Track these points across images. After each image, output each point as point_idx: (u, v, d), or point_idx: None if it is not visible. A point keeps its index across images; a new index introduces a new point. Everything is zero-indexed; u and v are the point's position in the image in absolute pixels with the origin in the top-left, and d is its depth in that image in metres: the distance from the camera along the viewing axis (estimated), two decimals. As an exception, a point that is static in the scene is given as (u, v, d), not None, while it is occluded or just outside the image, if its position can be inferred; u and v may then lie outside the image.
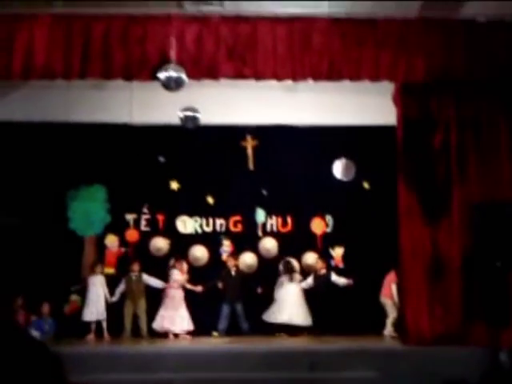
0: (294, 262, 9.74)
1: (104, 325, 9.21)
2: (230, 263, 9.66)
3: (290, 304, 9.37)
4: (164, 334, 9.12)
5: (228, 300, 9.45)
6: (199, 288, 9.45)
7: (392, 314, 9.07)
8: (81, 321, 9.13)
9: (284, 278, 9.60)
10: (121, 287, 9.42)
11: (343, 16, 7.42)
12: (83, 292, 9.36)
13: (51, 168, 9.53)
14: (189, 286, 9.43)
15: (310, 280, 9.59)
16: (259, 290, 9.53)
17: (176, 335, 9.14)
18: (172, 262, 9.58)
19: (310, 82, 7.82)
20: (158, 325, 9.19)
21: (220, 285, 9.55)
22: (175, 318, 9.14)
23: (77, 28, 7.23)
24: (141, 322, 9.34)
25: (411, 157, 7.99)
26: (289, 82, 7.98)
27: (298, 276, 9.62)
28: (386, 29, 7.46)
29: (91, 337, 9.08)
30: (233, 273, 9.62)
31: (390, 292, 9.12)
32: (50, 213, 9.66)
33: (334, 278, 9.48)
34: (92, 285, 9.29)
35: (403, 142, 8.03)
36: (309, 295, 9.54)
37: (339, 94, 8.83)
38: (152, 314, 9.32)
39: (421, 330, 7.69)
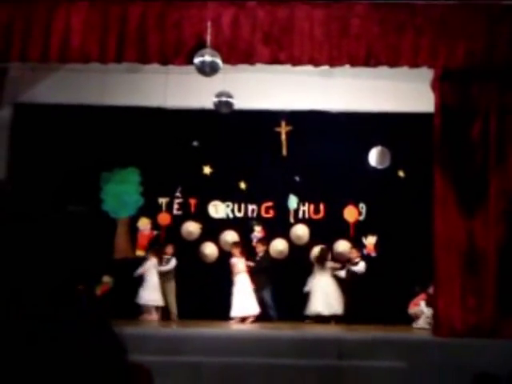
0: (327, 250, 9.65)
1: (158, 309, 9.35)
2: (259, 249, 9.64)
3: (321, 294, 9.33)
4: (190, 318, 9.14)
5: (257, 286, 9.43)
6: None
7: (425, 314, 8.94)
8: (110, 302, 9.22)
9: (316, 267, 9.55)
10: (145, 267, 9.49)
11: (382, 1, 7.26)
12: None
13: (86, 150, 9.63)
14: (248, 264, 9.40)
15: (343, 272, 9.52)
16: None
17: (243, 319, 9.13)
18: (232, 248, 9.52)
19: (347, 67, 7.71)
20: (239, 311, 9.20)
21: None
22: (244, 302, 9.16)
23: (113, 12, 7.26)
24: (170, 305, 9.41)
25: (448, 145, 7.82)
26: (324, 68, 7.88)
27: (329, 264, 9.55)
28: (426, 14, 7.29)
29: (151, 317, 9.20)
30: (258, 258, 9.58)
31: (418, 304, 9.00)
32: (84, 195, 9.78)
33: (361, 265, 9.38)
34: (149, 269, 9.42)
35: (440, 130, 7.86)
36: (342, 284, 9.47)
37: (375, 80, 8.69)
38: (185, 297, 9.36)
39: (452, 321, 7.58)
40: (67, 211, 9.39)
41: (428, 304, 8.88)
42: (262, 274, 9.43)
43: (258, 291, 9.40)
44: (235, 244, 9.52)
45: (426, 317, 8.86)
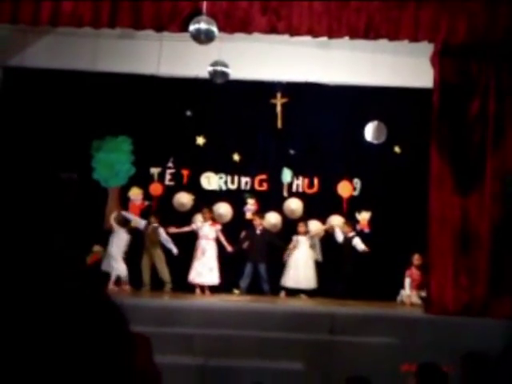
0: (303, 224, 9.55)
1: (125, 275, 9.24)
2: (256, 222, 9.54)
3: (298, 268, 9.30)
4: (187, 289, 9.10)
5: (252, 259, 9.39)
6: (230, 248, 9.35)
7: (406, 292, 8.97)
8: (102, 271, 9.17)
9: (295, 241, 9.50)
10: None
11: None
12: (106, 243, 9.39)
13: (77, 117, 9.44)
14: (223, 240, 9.33)
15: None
16: (291, 247, 9.34)
17: (202, 288, 9.11)
18: (203, 213, 9.43)
19: (346, 39, 7.56)
20: (191, 278, 9.13)
21: (245, 243, 9.48)
22: (203, 270, 9.10)
23: (107, -25, 7.02)
24: (162, 274, 9.33)
25: (446, 122, 7.74)
26: (322, 39, 7.72)
27: (302, 238, 9.46)
28: (428, -13, 7.12)
29: (111, 287, 9.12)
30: (258, 232, 9.53)
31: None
32: (74, 162, 9.62)
33: (356, 241, 9.34)
34: (115, 237, 9.31)
35: (439, 106, 7.77)
36: (335, 259, 9.45)
37: (374, 53, 8.54)
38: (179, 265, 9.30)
39: (444, 299, 7.61)
40: (60, 178, 9.28)
41: (411, 283, 8.91)
42: (259, 247, 9.36)
43: (253, 265, 9.36)
44: (208, 210, 9.35)
45: (406, 295, 8.89)
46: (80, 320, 0.78)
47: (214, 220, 9.45)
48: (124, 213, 9.62)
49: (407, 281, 9.01)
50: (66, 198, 9.23)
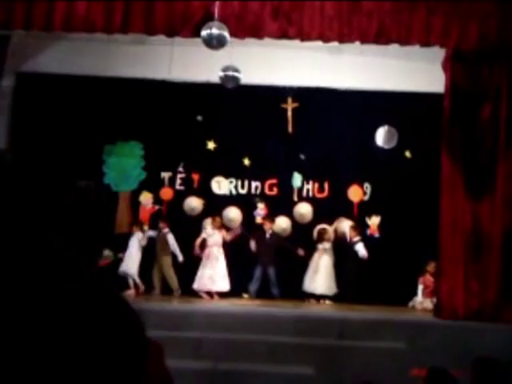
0: (328, 230, 9.57)
1: (138, 281, 9.29)
2: (266, 226, 9.56)
3: (318, 273, 9.30)
4: (196, 294, 9.11)
5: (261, 263, 9.40)
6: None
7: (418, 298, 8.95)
8: (114, 275, 9.19)
9: (317, 246, 9.50)
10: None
11: (395, -23, 7.09)
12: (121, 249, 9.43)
13: (89, 122, 9.50)
14: (226, 237, 9.35)
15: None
16: (301, 252, 9.40)
17: (210, 294, 9.11)
18: (208, 221, 9.51)
19: (357, 44, 7.56)
20: (197, 285, 9.15)
21: (253, 246, 9.47)
22: (214, 277, 9.11)
23: (120, -20, 7.08)
24: (169, 281, 9.33)
25: (457, 127, 7.72)
26: (333, 44, 7.73)
27: (327, 244, 9.47)
28: (439, -8, 7.11)
29: (131, 292, 9.15)
30: (267, 235, 9.53)
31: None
32: (86, 167, 9.68)
33: (359, 246, 9.29)
34: (131, 242, 9.35)
35: (450, 111, 7.75)
36: (340, 264, 9.43)
37: (385, 58, 8.55)
38: (186, 272, 9.31)
39: (455, 304, 7.57)
40: (77, 186, 9.33)
41: (424, 290, 8.89)
42: (269, 251, 9.37)
43: (263, 269, 9.37)
44: (213, 218, 9.40)
45: (419, 302, 8.86)
46: (93, 324, 0.76)
47: (224, 227, 9.46)
48: None
49: (420, 287, 8.97)
50: (82, 204, 9.29)
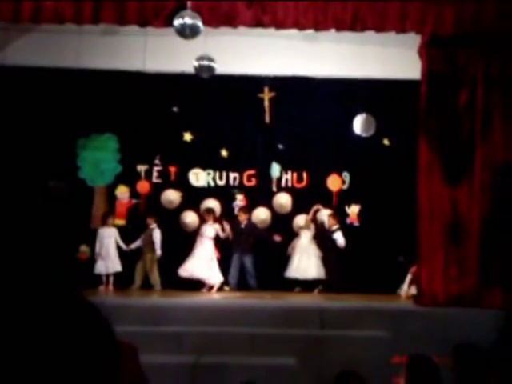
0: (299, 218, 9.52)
1: (111, 278, 9.15)
2: (241, 217, 9.50)
3: (309, 258, 9.31)
4: (177, 288, 8.98)
5: (237, 252, 9.32)
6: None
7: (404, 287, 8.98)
8: (88, 272, 9.03)
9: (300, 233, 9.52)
10: (138, 242, 9.34)
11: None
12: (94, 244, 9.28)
13: (61, 115, 9.31)
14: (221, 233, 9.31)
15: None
16: (277, 238, 9.36)
17: (210, 288, 9.04)
18: (204, 214, 9.39)
19: (332, 31, 7.50)
20: (185, 271, 9.03)
21: (222, 234, 9.34)
22: (214, 270, 9.05)
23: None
24: (151, 277, 9.20)
25: (434, 113, 7.71)
26: (309, 32, 7.66)
27: (307, 232, 9.46)
28: (414, -23, 7.07)
29: (103, 288, 9.03)
30: (242, 226, 9.46)
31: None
32: (59, 161, 9.49)
33: (337, 235, 9.28)
34: (104, 237, 9.19)
35: (427, 98, 7.73)
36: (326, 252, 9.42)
37: (361, 45, 8.50)
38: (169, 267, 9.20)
39: (435, 291, 7.58)
40: (48, 187, 9.18)
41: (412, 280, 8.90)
42: (245, 242, 9.30)
43: (239, 259, 9.30)
44: (208, 211, 9.33)
45: (404, 290, 8.88)
46: (65, 329, 0.74)
47: (216, 220, 9.35)
48: None
49: (408, 277, 8.96)
50: (52, 205, 9.15)
